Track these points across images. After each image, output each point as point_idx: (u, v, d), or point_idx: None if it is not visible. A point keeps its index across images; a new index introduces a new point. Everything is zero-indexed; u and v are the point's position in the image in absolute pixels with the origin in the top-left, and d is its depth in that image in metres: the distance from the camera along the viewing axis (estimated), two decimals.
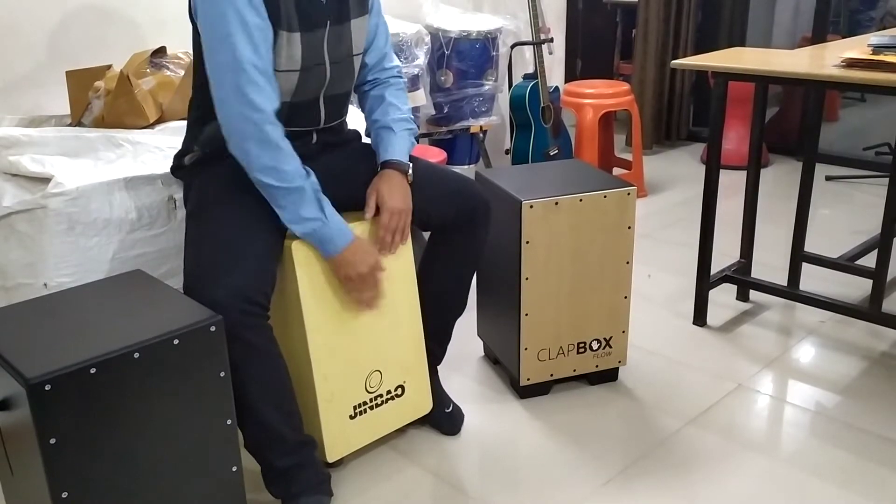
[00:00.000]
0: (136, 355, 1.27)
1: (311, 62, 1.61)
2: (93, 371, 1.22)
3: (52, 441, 1.20)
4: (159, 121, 2.14)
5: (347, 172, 1.74)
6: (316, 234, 1.57)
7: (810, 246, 2.59)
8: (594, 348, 2.10)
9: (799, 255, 2.58)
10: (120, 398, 1.26)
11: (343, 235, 1.60)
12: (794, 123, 4.24)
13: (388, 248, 1.71)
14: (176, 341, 1.31)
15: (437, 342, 1.94)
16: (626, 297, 2.08)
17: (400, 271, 1.78)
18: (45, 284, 1.74)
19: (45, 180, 1.76)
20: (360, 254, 1.62)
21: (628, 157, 3.80)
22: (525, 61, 3.93)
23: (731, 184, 3.36)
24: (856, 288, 2.56)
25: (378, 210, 1.68)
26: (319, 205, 1.57)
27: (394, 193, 1.68)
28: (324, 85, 1.67)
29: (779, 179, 3.89)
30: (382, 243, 1.69)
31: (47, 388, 1.18)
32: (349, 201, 1.71)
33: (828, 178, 3.82)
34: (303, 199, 1.54)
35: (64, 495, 1.23)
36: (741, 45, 4.21)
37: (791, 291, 2.49)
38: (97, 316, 1.40)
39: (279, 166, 1.52)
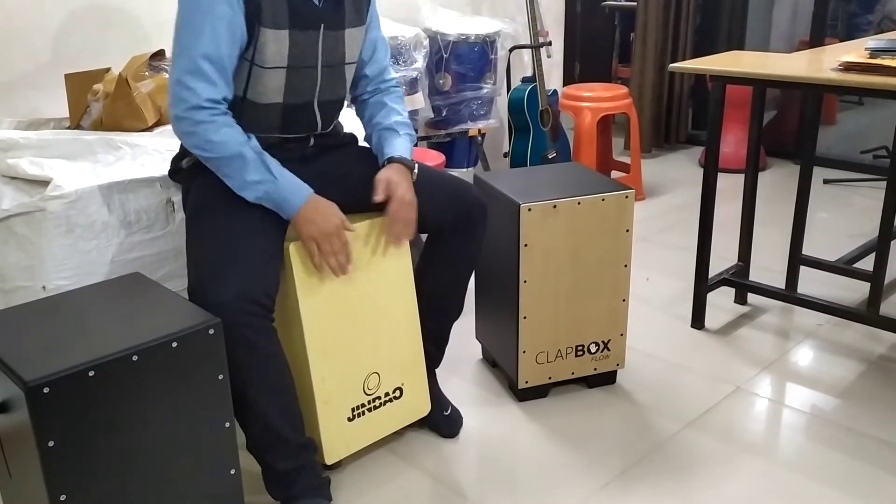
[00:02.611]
0: (135, 358, 1.27)
1: (299, 62, 1.61)
2: (91, 374, 1.22)
3: (51, 444, 1.20)
4: (158, 124, 2.14)
5: (345, 175, 1.74)
6: (269, 196, 1.56)
7: (808, 249, 2.59)
8: (592, 351, 2.10)
9: (797, 259, 2.58)
10: (118, 401, 1.26)
11: (298, 193, 1.57)
12: (792, 127, 4.25)
13: (397, 239, 1.70)
14: (174, 344, 1.32)
15: (435, 345, 1.94)
16: (624, 300, 2.08)
17: (397, 273, 1.78)
18: (44, 287, 1.74)
19: (44, 183, 1.76)
20: (322, 211, 1.58)
21: (627, 160, 3.80)
22: (523, 64, 3.94)
23: (729, 187, 3.36)
24: (853, 291, 2.57)
25: (385, 201, 1.67)
26: (265, 166, 1.55)
27: (403, 184, 1.68)
28: (316, 88, 1.67)
29: (776, 183, 3.89)
30: (390, 233, 1.69)
31: (46, 390, 1.18)
32: (348, 203, 1.71)
33: (825, 182, 3.83)
34: (244, 164, 1.53)
35: (62, 498, 1.23)
36: (739, 49, 4.22)
37: (789, 294, 2.50)
38: (96, 319, 1.40)
39: (210, 138, 1.52)
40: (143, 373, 1.28)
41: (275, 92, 1.61)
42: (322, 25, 1.62)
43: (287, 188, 1.57)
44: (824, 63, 2.18)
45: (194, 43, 1.50)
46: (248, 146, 1.55)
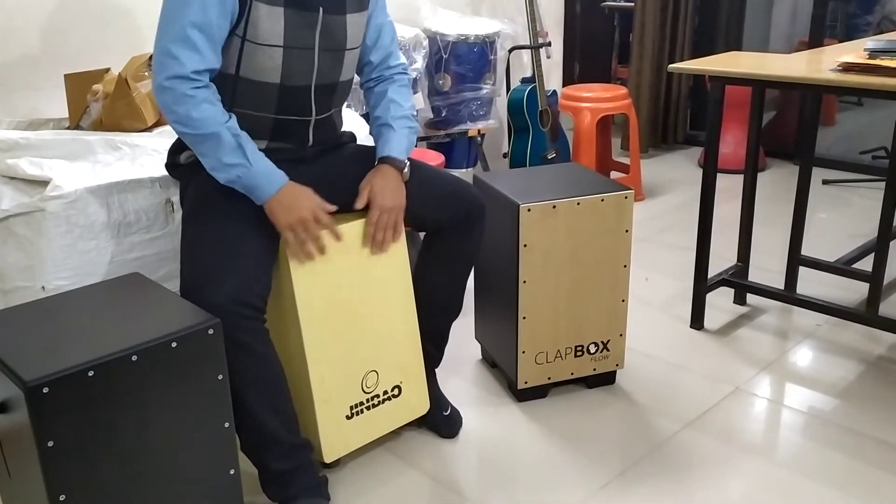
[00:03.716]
0: (134, 358, 1.27)
1: (296, 42, 1.60)
2: (91, 374, 1.22)
3: (50, 444, 1.20)
4: (157, 124, 2.14)
5: (343, 176, 1.74)
6: (241, 180, 1.55)
7: (807, 249, 2.60)
8: (592, 351, 2.10)
9: (796, 259, 2.59)
10: (118, 401, 1.26)
11: (272, 180, 1.56)
12: (791, 127, 4.25)
13: (380, 246, 1.71)
14: (174, 344, 1.32)
15: (434, 344, 1.94)
16: (623, 301, 2.08)
17: (395, 271, 1.78)
18: (43, 287, 1.74)
19: (44, 183, 1.76)
20: (297, 198, 1.57)
21: (626, 160, 3.80)
22: (523, 65, 3.94)
23: (728, 187, 3.36)
24: (853, 291, 2.57)
25: (369, 205, 1.68)
26: (241, 149, 1.54)
27: (386, 190, 1.68)
28: (313, 72, 1.66)
29: (776, 183, 3.90)
30: (374, 241, 1.69)
31: (45, 390, 1.18)
32: (345, 204, 1.71)
33: (825, 182, 3.83)
34: (220, 144, 1.52)
35: (62, 498, 1.23)
36: (738, 50, 4.23)
37: (788, 295, 2.50)
38: (95, 319, 1.40)
39: (190, 113, 1.51)
40: (143, 373, 1.28)
41: (271, 72, 1.60)
42: (321, 9, 1.61)
43: (261, 175, 1.56)
44: (823, 64, 2.19)
45: (183, 10, 1.49)
46: (227, 127, 1.53)
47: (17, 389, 1.18)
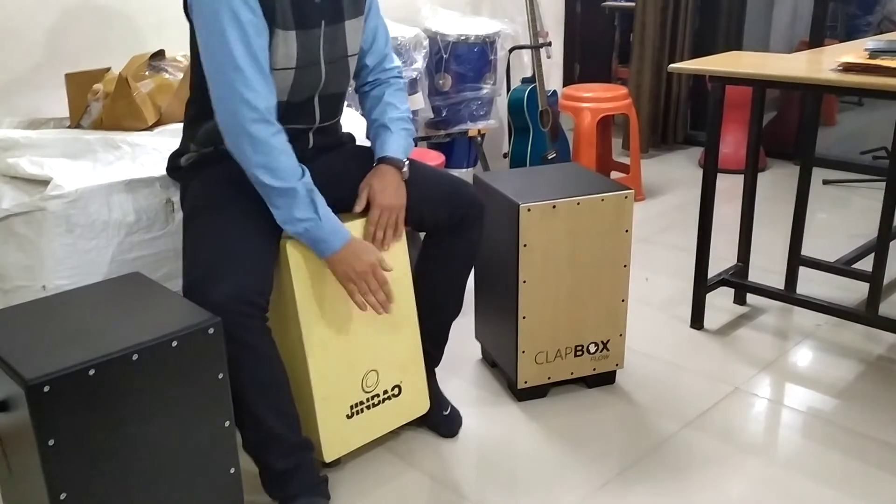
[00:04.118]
0: (135, 357, 1.27)
1: (306, 61, 1.62)
2: (91, 372, 1.22)
3: (51, 442, 1.20)
4: (158, 123, 2.14)
5: (342, 174, 1.74)
6: (308, 233, 1.57)
7: (807, 250, 2.60)
8: (591, 351, 2.10)
9: (796, 259, 2.59)
10: (119, 399, 1.27)
11: (338, 235, 1.60)
12: (792, 127, 4.25)
13: (380, 245, 1.71)
14: (174, 343, 1.32)
15: (434, 344, 1.94)
16: (623, 301, 2.08)
17: (395, 271, 1.78)
18: (44, 287, 1.74)
19: (44, 182, 1.76)
20: (358, 252, 1.61)
21: (626, 160, 3.81)
22: (523, 65, 3.94)
23: (729, 188, 3.36)
24: (853, 291, 2.57)
25: (368, 206, 1.69)
26: (313, 205, 1.57)
27: (386, 189, 1.69)
28: (319, 85, 1.67)
29: (776, 183, 3.90)
30: (374, 239, 1.70)
31: (46, 389, 1.18)
32: (344, 203, 1.71)
33: (825, 182, 3.83)
34: (296, 199, 1.54)
35: (62, 496, 1.23)
36: (738, 50, 4.22)
37: (788, 295, 2.50)
38: (96, 318, 1.40)
39: (271, 164, 1.52)
40: (143, 372, 1.29)
41: (280, 92, 1.61)
42: (323, 22, 1.62)
43: (328, 230, 1.58)
44: (824, 64, 2.19)
45: (231, 53, 1.49)
46: (303, 182, 1.55)
47: (18, 388, 1.19)
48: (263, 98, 1.52)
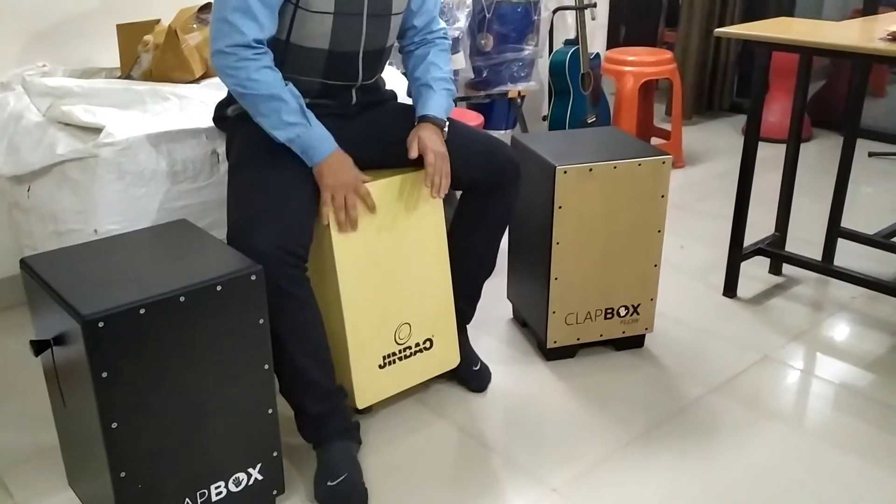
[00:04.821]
0: (182, 299, 1.34)
1: (345, 8, 1.64)
2: (142, 311, 1.29)
3: (104, 375, 1.28)
4: (204, 76, 2.19)
5: (383, 130, 1.78)
6: (300, 139, 1.61)
7: (850, 222, 2.57)
8: (622, 315, 2.13)
9: (835, 231, 2.56)
10: (166, 338, 1.34)
11: (325, 143, 1.63)
12: (840, 97, 4.15)
13: (437, 190, 1.72)
14: (219, 288, 1.38)
15: (466, 301, 1.99)
16: (655, 266, 2.10)
17: (430, 228, 1.83)
18: (96, 231, 1.82)
19: (97, 130, 1.83)
20: (343, 165, 1.65)
21: (668, 126, 3.77)
22: (567, 27, 3.89)
23: (773, 157, 3.31)
24: (890, 265, 2.54)
25: (420, 159, 1.71)
26: (302, 111, 1.61)
27: (434, 139, 1.72)
28: (361, 38, 1.69)
29: (821, 154, 3.83)
30: (432, 185, 1.71)
31: (101, 325, 1.25)
32: (385, 158, 1.75)
33: (871, 155, 3.75)
34: (283, 104, 1.59)
35: (114, 426, 1.31)
36: (790, 16, 4.11)
37: (824, 266, 2.48)
38: (145, 261, 1.47)
39: (251, 76, 1.57)
40: (189, 313, 1.35)
41: (320, 37, 1.64)
42: None
43: (317, 136, 1.62)
44: (875, 32, 2.14)
45: None
46: (288, 89, 1.60)
47: (75, 323, 1.26)
48: (258, 29, 1.56)
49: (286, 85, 1.61)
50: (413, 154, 1.70)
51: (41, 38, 2.33)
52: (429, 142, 1.70)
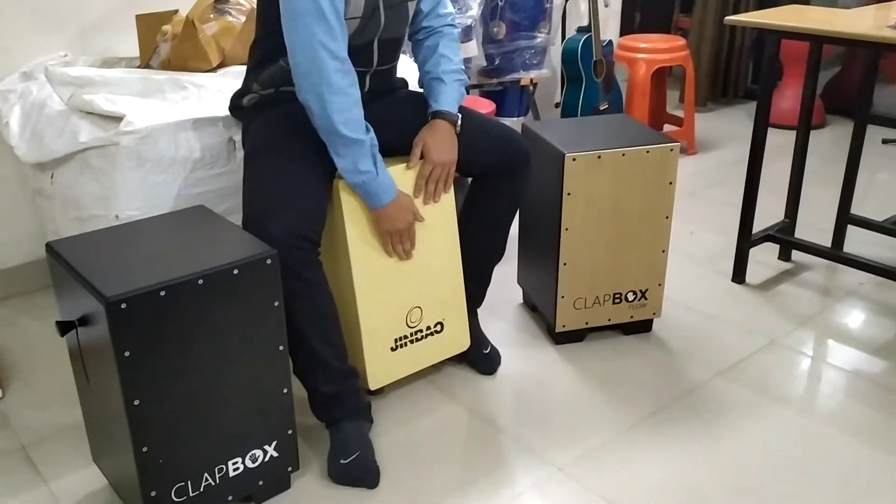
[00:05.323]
0: (200, 282, 1.39)
1: (370, 9, 1.68)
2: (162, 293, 1.35)
3: (127, 353, 1.33)
4: (221, 65, 2.24)
5: (394, 118, 1.82)
6: (365, 186, 1.67)
7: (863, 210, 2.58)
8: (630, 299, 2.16)
9: (844, 217, 2.58)
10: (185, 319, 1.39)
11: (389, 191, 1.70)
12: (855, 84, 4.13)
13: (430, 198, 1.80)
14: (235, 271, 1.43)
15: (477, 285, 2.03)
16: (663, 252, 2.13)
17: (441, 214, 1.87)
18: (117, 216, 1.87)
19: (118, 119, 1.88)
20: (402, 210, 1.73)
21: (681, 113, 3.77)
22: (579, 14, 3.90)
23: (785, 144, 3.31)
24: None
25: (421, 160, 1.77)
26: (374, 159, 1.66)
27: (439, 145, 1.76)
28: (379, 30, 1.73)
29: (835, 141, 3.82)
30: (425, 192, 1.78)
31: (123, 306, 1.31)
32: (395, 146, 1.79)
33: (884, 142, 3.74)
34: (362, 151, 1.63)
35: (136, 402, 1.37)
36: (805, 4, 4.09)
37: (833, 252, 2.49)
38: (165, 245, 1.52)
39: (345, 113, 1.60)
40: (207, 295, 1.41)
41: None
42: None
43: (383, 185, 1.69)
44: (886, 20, 2.14)
45: (317, 2, 1.53)
46: (370, 136, 1.65)
47: (98, 304, 1.32)
48: (343, 48, 1.59)
49: (368, 130, 1.64)
50: (413, 162, 1.77)
51: (63, 29, 2.39)
52: (432, 151, 1.75)
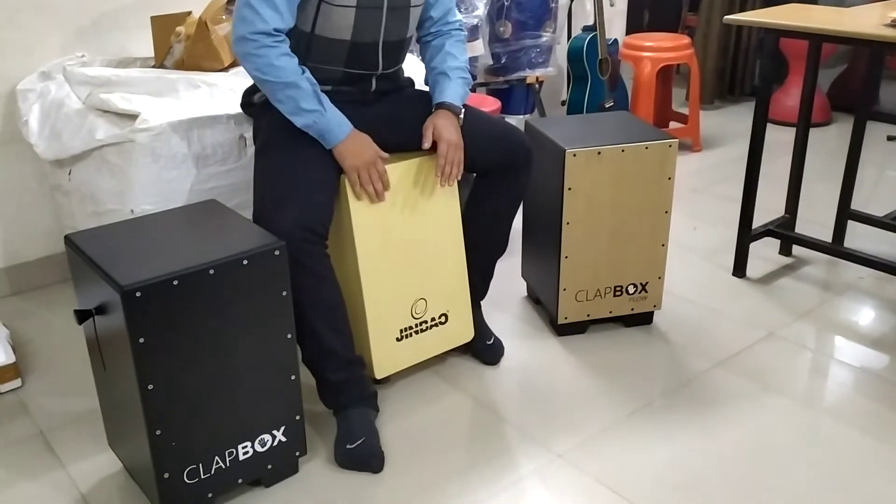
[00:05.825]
0: (211, 272, 1.45)
1: (367, 2, 1.73)
2: (175, 283, 1.41)
3: (141, 340, 1.40)
4: (233, 64, 2.30)
5: (401, 117, 1.87)
6: (316, 125, 1.71)
7: (865, 205, 2.60)
8: (630, 292, 2.21)
9: (845, 212, 2.61)
10: (197, 307, 1.45)
11: (342, 127, 1.73)
12: (861, 82, 4.14)
13: (448, 179, 1.83)
14: (245, 262, 1.49)
15: (480, 278, 2.09)
16: (663, 245, 2.17)
17: (446, 208, 1.92)
18: (132, 211, 1.94)
19: (133, 117, 1.95)
20: (361, 142, 1.75)
21: (687, 111, 3.81)
22: (585, 13, 3.95)
23: (791, 141, 3.32)
24: None
25: (434, 146, 1.81)
26: (318, 97, 1.71)
27: (448, 127, 1.81)
28: (380, 30, 1.79)
29: (840, 137, 3.84)
30: (443, 174, 1.82)
31: (138, 294, 1.37)
32: (402, 144, 1.85)
33: (889, 139, 3.76)
34: (300, 91, 1.68)
35: (150, 387, 1.44)
36: (812, 3, 4.11)
37: (832, 247, 2.53)
38: (178, 237, 1.59)
39: (271, 62, 1.66)
40: (218, 285, 1.47)
41: (343, 30, 1.74)
42: None
43: (333, 121, 1.72)
44: (884, 19, 2.17)
45: None
46: (305, 77, 1.70)
47: (114, 293, 1.38)
48: (277, 19, 1.66)
49: (303, 73, 1.70)
50: (427, 144, 1.80)
51: (80, 30, 2.46)
52: (444, 131, 1.80)
